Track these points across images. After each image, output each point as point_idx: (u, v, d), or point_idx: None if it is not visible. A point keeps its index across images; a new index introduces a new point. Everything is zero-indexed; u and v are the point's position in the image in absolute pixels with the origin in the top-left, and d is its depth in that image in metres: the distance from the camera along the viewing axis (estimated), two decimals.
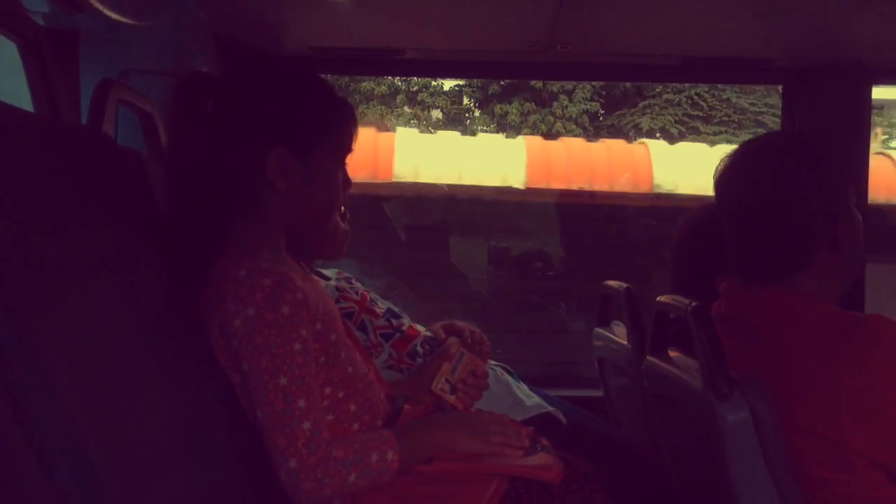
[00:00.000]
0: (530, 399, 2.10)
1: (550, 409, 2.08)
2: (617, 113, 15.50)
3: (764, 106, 15.99)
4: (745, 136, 15.97)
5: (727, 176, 1.57)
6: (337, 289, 1.99)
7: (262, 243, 1.43)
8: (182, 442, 1.22)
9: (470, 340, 1.94)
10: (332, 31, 2.19)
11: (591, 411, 2.25)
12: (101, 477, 0.94)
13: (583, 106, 15.09)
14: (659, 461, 1.90)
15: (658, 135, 14.85)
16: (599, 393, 2.36)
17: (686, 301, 1.51)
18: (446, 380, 1.61)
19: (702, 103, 15.74)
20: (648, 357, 1.75)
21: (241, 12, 2.05)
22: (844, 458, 1.37)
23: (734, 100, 15.80)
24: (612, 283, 2.20)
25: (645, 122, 15.32)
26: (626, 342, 2.04)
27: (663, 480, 1.86)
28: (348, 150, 1.49)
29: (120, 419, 1.05)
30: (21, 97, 1.58)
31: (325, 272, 2.06)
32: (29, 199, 1.04)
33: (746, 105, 15.99)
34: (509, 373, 2.18)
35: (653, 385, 1.75)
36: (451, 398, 1.60)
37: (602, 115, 15.62)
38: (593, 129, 15.04)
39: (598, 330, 2.26)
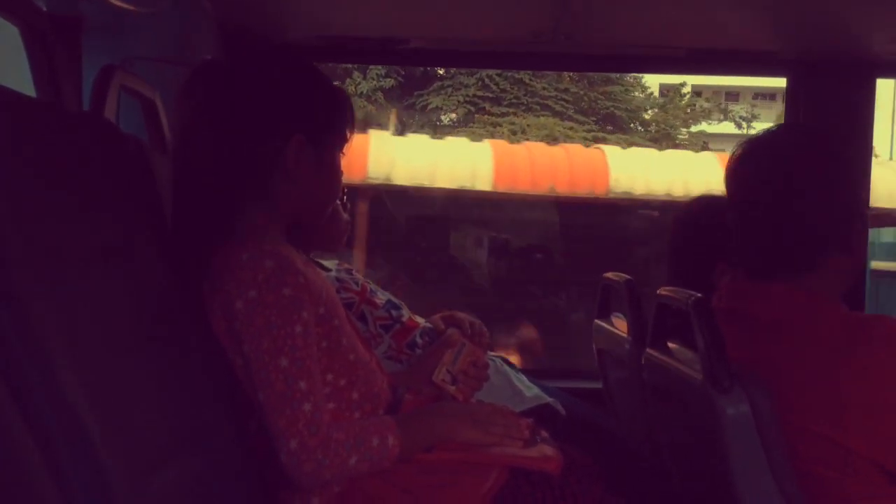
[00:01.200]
0: (529, 390, 2.10)
1: (549, 400, 2.08)
2: (416, 93, 15.97)
3: (555, 90, 16.85)
4: (532, 118, 16.50)
5: (741, 168, 1.52)
6: (337, 279, 1.99)
7: (268, 227, 1.44)
8: (185, 430, 1.23)
9: (470, 331, 1.94)
10: (336, 19, 2.18)
11: (590, 403, 2.25)
12: (103, 466, 0.94)
13: (375, 83, 15.32)
14: (657, 453, 1.90)
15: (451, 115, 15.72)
16: (598, 385, 2.36)
17: (687, 293, 1.51)
18: (447, 370, 1.61)
19: (492, 86, 16.45)
20: (648, 349, 1.75)
21: (246, 0, 2.05)
22: (845, 459, 1.36)
23: (527, 81, 16.50)
24: (612, 274, 2.20)
25: (437, 101, 15.80)
26: (626, 334, 2.04)
27: (662, 472, 1.86)
28: (348, 139, 1.51)
29: (122, 408, 1.05)
30: (23, 82, 1.58)
31: (326, 263, 2.07)
32: (31, 185, 1.03)
33: (538, 88, 16.72)
34: (508, 364, 2.18)
35: (652, 377, 1.75)
36: (452, 389, 1.60)
37: (403, 95, 16.21)
38: (390, 107, 15.49)
39: (598, 322, 2.26)
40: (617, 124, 17.89)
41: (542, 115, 16.44)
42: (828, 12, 2.03)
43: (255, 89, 1.42)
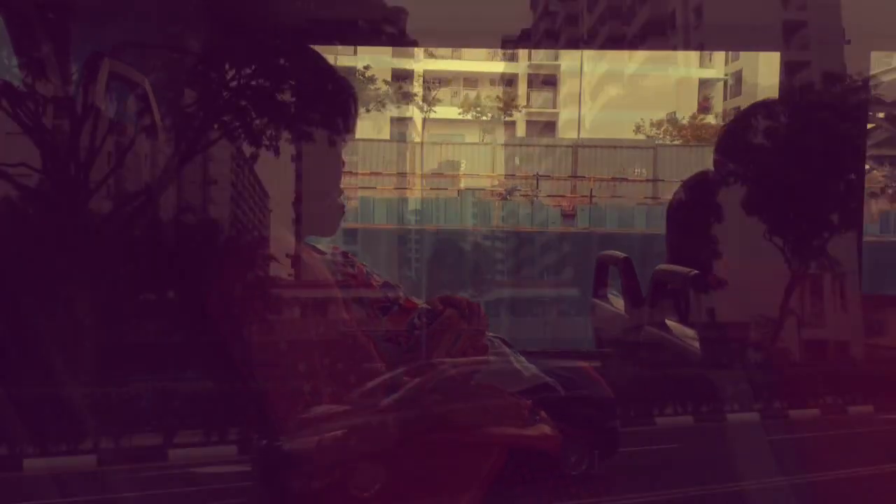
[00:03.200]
0: (527, 370, 2.09)
1: (547, 379, 2.08)
2: None
3: None
4: None
5: (734, 142, 1.50)
6: (333, 262, 1.98)
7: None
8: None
9: (468, 313, 1.93)
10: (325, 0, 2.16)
11: (587, 381, 2.25)
12: None
13: None
14: (655, 430, 1.90)
15: None
16: (596, 363, 2.36)
17: (685, 270, 1.51)
18: (446, 352, 1.61)
19: None
20: (646, 326, 1.75)
21: None
22: None
23: None
24: (609, 253, 2.20)
25: None
26: (623, 312, 2.04)
27: (658, 449, 1.87)
28: (352, 127, 1.51)
29: None
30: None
31: (321, 247, 2.05)
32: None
33: None
34: (507, 344, 2.17)
35: (650, 353, 1.75)
36: (451, 370, 1.60)
37: None
38: None
39: (595, 300, 2.25)
40: None
41: None
42: None
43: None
